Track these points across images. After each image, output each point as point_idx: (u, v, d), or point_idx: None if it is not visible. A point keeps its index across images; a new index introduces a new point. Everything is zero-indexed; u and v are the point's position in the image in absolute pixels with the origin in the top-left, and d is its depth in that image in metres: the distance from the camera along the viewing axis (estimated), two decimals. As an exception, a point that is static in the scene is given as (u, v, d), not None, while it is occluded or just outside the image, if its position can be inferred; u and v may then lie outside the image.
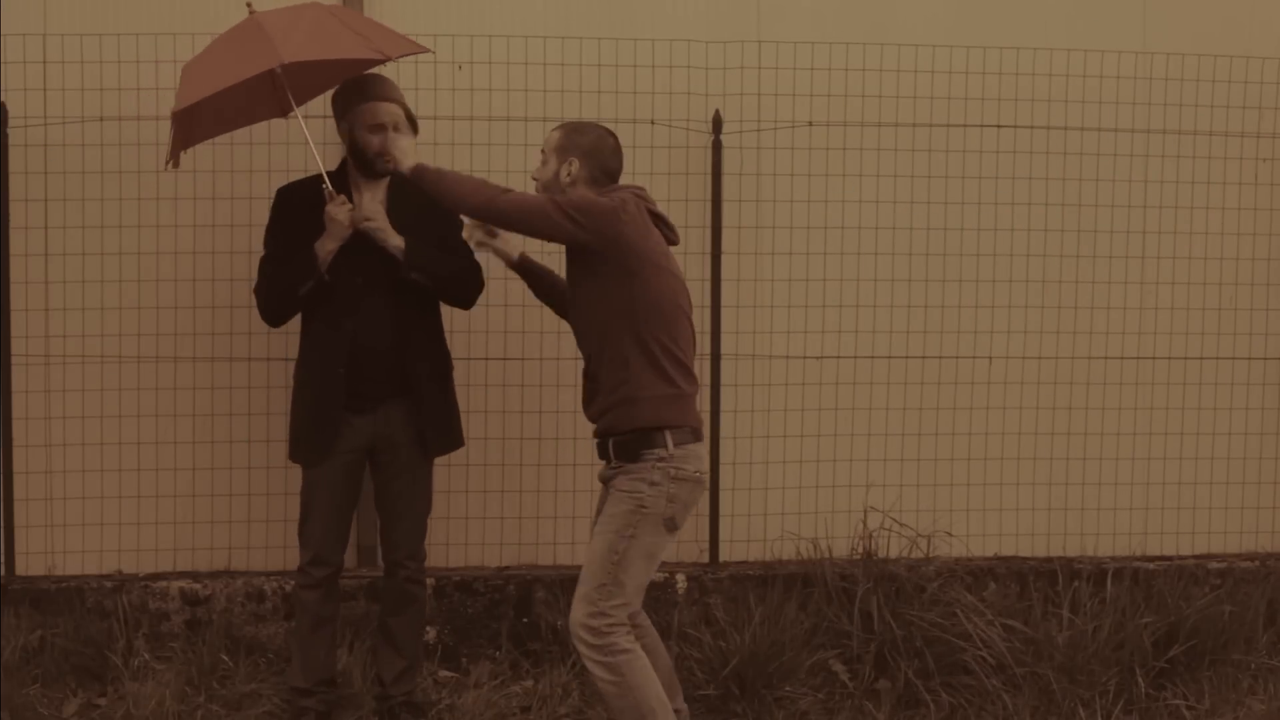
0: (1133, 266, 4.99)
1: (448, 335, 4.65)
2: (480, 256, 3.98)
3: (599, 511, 3.75)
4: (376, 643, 4.23)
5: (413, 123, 4.05)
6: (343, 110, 3.99)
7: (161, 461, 4.65)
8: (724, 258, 4.74)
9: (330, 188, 3.88)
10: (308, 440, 4.00)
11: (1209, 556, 5.03)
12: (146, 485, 4.66)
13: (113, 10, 4.53)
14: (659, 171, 4.71)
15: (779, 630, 4.38)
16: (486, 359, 4.72)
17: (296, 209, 3.96)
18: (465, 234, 3.90)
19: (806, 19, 4.81)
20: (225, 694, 4.28)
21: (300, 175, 4.31)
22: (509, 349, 4.72)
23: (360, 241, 3.90)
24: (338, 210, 3.86)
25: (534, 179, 3.80)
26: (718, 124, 4.69)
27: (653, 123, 4.71)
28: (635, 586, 3.59)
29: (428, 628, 4.63)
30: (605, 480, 3.71)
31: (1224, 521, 5.09)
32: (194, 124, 3.94)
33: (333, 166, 4.06)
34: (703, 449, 3.71)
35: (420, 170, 3.71)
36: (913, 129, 4.84)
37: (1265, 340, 5.08)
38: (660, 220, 3.74)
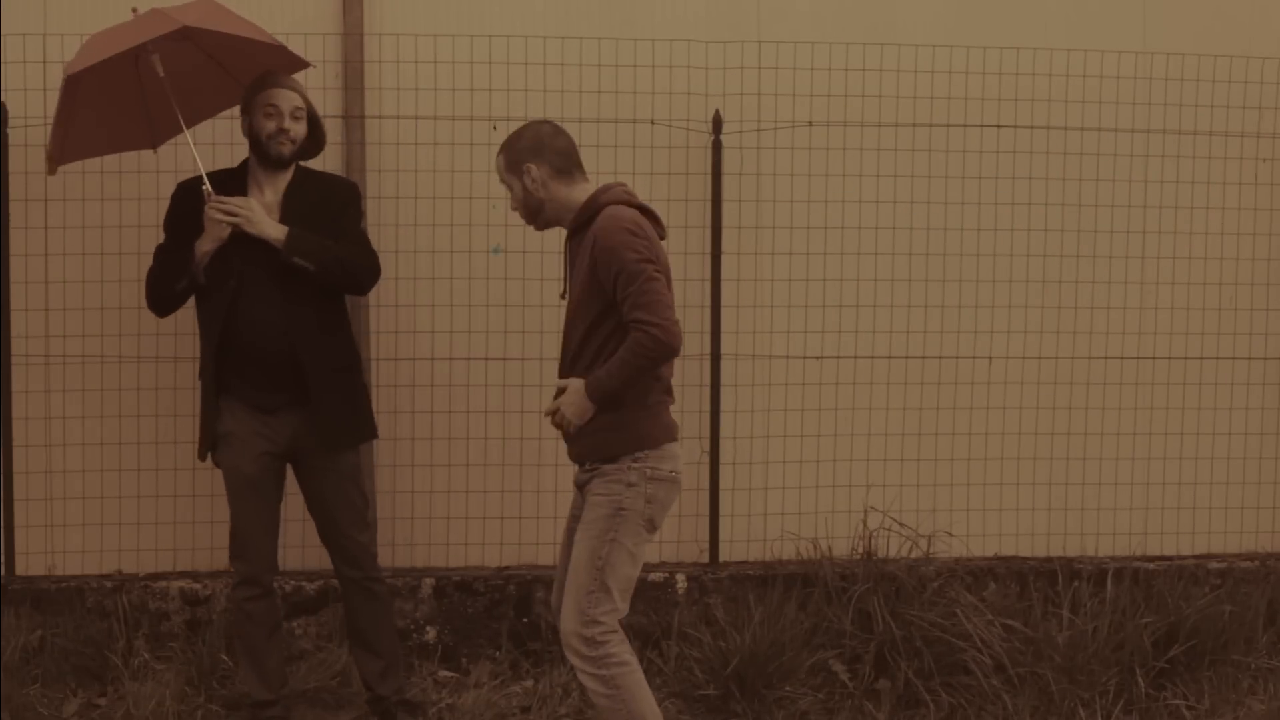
0: (1133, 266, 4.99)
1: (449, 335, 4.68)
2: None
3: (572, 517, 3.71)
4: (352, 648, 4.22)
5: (316, 122, 4.07)
6: (245, 103, 4.02)
7: (161, 461, 4.65)
8: (724, 258, 4.74)
9: (209, 188, 3.90)
10: (201, 436, 4.05)
11: (1209, 556, 5.03)
12: (146, 485, 4.66)
13: (113, 10, 4.52)
14: (659, 171, 4.71)
15: (779, 630, 4.38)
16: (486, 359, 4.72)
17: (194, 204, 3.95)
18: None
19: (806, 19, 4.81)
20: (225, 694, 4.28)
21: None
22: (509, 349, 4.73)
23: (245, 245, 3.89)
24: (212, 210, 3.88)
25: (514, 210, 3.69)
26: (718, 124, 4.69)
27: (653, 123, 4.71)
28: (622, 590, 3.53)
29: (427, 627, 4.63)
30: (580, 485, 3.64)
31: (1224, 521, 5.09)
32: (73, 129, 4.01)
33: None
34: (678, 448, 3.63)
35: (594, 387, 3.48)
36: (913, 129, 4.84)
37: (1265, 340, 5.08)
38: (649, 215, 3.64)
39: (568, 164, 3.62)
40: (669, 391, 3.63)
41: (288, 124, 3.96)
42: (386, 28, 4.64)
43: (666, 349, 3.40)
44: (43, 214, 4.57)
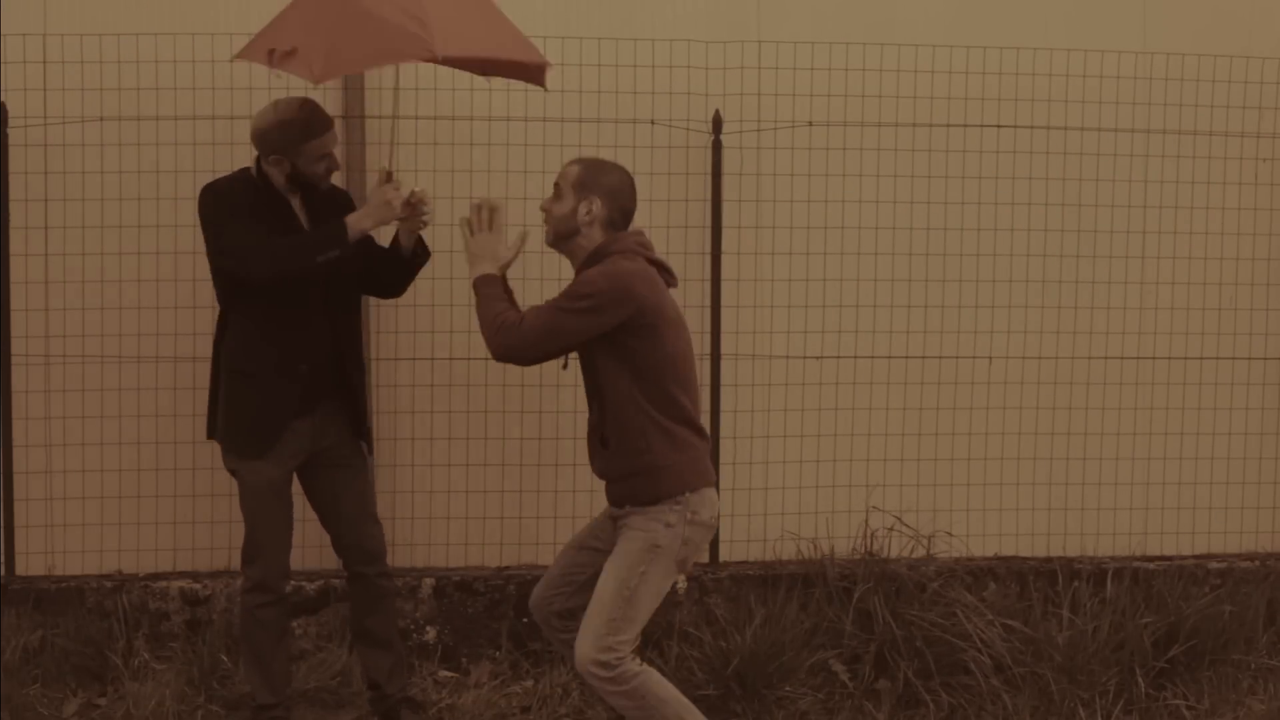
0: (1133, 266, 4.99)
1: (449, 335, 4.69)
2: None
3: (592, 536, 3.76)
4: (358, 647, 4.22)
5: None
6: (285, 147, 3.86)
7: (161, 461, 4.65)
8: (724, 258, 4.74)
9: (388, 169, 3.87)
10: (249, 435, 3.92)
11: (1209, 556, 5.03)
12: (146, 485, 4.66)
13: (113, 10, 4.53)
14: (659, 171, 4.70)
15: (779, 630, 4.38)
16: (486, 359, 4.69)
17: (239, 201, 3.87)
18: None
19: (806, 19, 4.81)
20: (225, 694, 4.28)
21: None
22: (509, 349, 4.72)
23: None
24: (392, 193, 3.80)
25: (544, 209, 3.69)
26: (718, 124, 4.69)
27: (653, 123, 4.70)
28: (641, 621, 3.57)
29: (427, 627, 4.64)
30: (615, 519, 3.67)
31: (1224, 521, 5.09)
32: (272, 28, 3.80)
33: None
34: (714, 494, 3.68)
35: (484, 283, 3.64)
36: (913, 129, 4.84)
37: (1265, 340, 5.08)
38: (660, 267, 3.67)
39: (623, 222, 3.69)
40: (700, 433, 3.65)
41: (335, 163, 3.99)
42: (386, 28, 4.63)
43: (493, 347, 3.58)
44: (43, 214, 4.57)
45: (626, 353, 3.53)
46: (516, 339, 3.53)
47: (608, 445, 3.61)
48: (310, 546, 4.59)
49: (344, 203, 4.11)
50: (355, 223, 3.82)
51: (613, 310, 3.49)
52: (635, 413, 3.55)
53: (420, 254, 4.04)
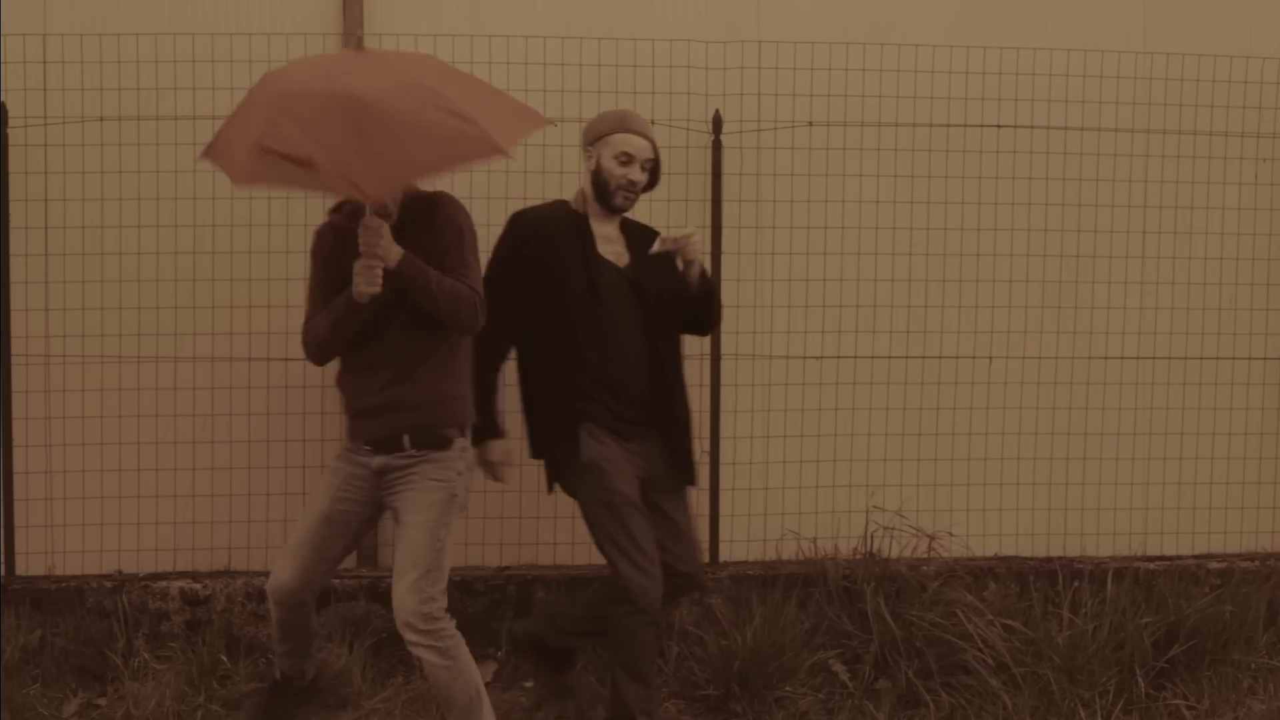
0: (1133, 266, 4.99)
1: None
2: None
3: (337, 499, 3.70)
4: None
5: (655, 172, 4.08)
6: (596, 135, 4.02)
7: (161, 461, 4.65)
8: (724, 258, 4.74)
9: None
10: None
11: (1209, 556, 5.03)
12: (146, 485, 4.66)
13: (113, 10, 4.53)
14: (659, 171, 4.71)
15: (779, 630, 4.38)
16: (486, 359, 4.72)
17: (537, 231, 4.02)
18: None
19: (806, 19, 4.81)
20: (225, 694, 4.28)
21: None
22: (509, 349, 4.72)
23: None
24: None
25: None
26: (718, 124, 4.69)
27: (652, 123, 4.70)
28: (447, 571, 3.67)
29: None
30: (387, 469, 3.66)
31: (1224, 521, 5.09)
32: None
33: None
34: None
35: (410, 264, 3.53)
36: (913, 129, 4.84)
37: (1265, 340, 5.08)
38: None
39: None
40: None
41: (636, 175, 4.02)
42: (387, 28, 4.64)
43: (472, 324, 3.65)
44: (43, 214, 4.57)
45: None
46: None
47: (405, 373, 3.63)
48: (310, 546, 4.59)
49: (650, 236, 4.08)
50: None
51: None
52: (449, 346, 3.69)
53: (700, 290, 4.06)
